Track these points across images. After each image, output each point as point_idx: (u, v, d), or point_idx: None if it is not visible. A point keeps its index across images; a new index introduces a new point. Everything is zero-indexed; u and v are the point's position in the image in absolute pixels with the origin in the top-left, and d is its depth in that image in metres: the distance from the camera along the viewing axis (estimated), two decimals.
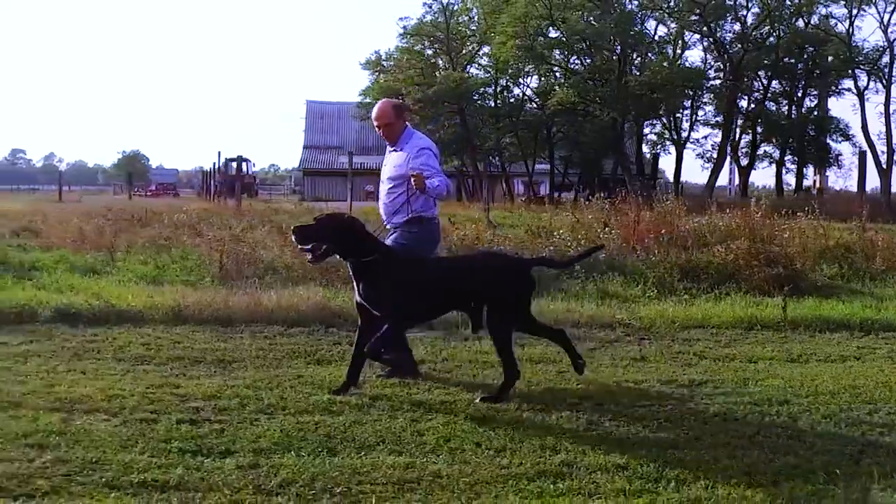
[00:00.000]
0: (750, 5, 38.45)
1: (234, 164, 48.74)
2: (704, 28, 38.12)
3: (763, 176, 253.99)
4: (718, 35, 38.52)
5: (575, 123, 39.25)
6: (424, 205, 6.04)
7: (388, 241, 6.01)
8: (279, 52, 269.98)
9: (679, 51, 41.88)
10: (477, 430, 4.92)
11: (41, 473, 4.16)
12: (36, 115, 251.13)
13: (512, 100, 42.56)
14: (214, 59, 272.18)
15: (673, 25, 39.87)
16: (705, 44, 40.90)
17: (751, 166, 43.23)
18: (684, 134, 43.31)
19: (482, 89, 40.90)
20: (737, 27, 39.05)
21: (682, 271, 10.70)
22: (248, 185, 46.42)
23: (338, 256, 5.67)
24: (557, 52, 38.85)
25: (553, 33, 37.84)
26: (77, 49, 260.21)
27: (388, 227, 6.15)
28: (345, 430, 4.89)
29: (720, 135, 40.65)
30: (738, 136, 42.82)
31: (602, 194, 17.16)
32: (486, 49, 41.88)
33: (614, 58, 37.60)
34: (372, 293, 5.55)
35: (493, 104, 41.53)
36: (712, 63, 41.91)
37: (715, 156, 41.07)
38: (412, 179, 5.84)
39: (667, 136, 43.86)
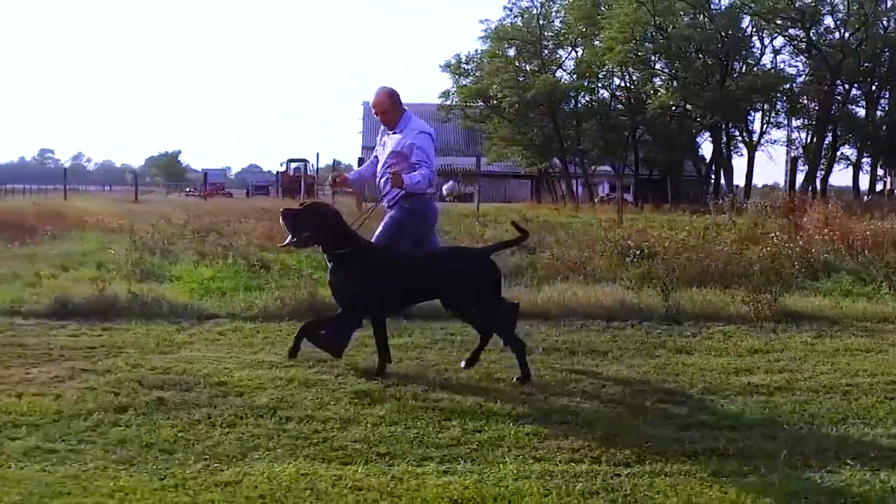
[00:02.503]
0: (844, 9, 38.64)
1: (296, 165, 48.77)
2: (801, 33, 38.56)
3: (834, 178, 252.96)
4: (814, 39, 38.98)
5: (662, 126, 38.95)
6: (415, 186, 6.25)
7: (384, 222, 6.33)
8: (323, 48, 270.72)
9: (773, 55, 42.61)
10: None
11: None
12: (64, 115, 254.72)
13: (595, 103, 42.75)
14: (252, 60, 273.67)
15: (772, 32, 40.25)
16: (800, 47, 40.85)
17: (830, 168, 43.24)
18: (755, 136, 43.33)
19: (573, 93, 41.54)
20: (835, 34, 39.60)
21: None
22: (310, 186, 46.56)
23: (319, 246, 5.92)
24: (658, 56, 39.43)
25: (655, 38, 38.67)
26: (105, 49, 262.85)
27: (384, 203, 6.43)
28: None
29: (805, 137, 40.34)
30: (812, 138, 42.25)
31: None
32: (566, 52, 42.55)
33: (715, 62, 38.33)
34: (335, 283, 5.82)
35: (574, 105, 41.79)
36: (802, 67, 42.14)
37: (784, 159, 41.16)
38: (390, 177, 6.17)
39: (741, 139, 43.58)
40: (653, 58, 38.32)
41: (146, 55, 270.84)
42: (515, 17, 42.51)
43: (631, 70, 40.84)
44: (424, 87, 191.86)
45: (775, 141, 43.21)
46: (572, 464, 4.20)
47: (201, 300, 8.57)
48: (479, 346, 6.06)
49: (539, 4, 42.72)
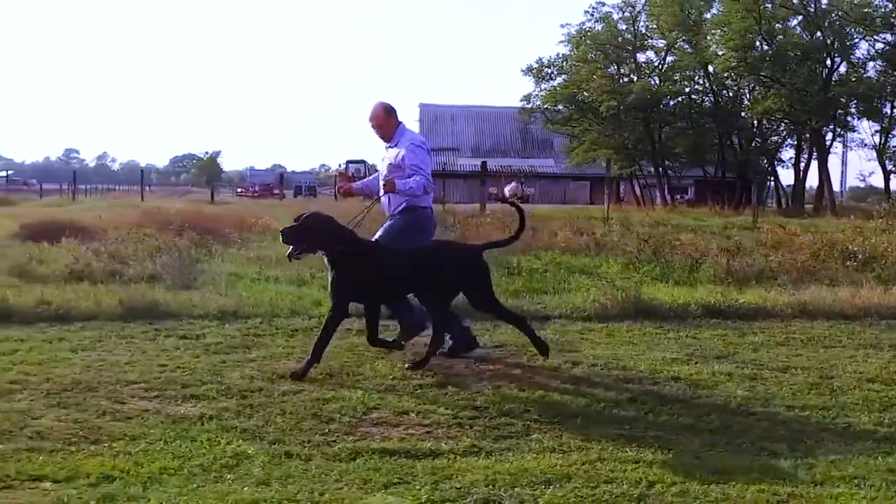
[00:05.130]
0: None
1: (355, 166, 49.29)
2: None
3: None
4: None
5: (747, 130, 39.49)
6: (418, 198, 6.53)
7: (384, 226, 6.62)
8: (372, 50, 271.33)
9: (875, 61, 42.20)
10: None
11: None
12: (89, 115, 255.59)
13: (687, 107, 43.06)
14: (281, 60, 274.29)
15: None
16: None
17: None
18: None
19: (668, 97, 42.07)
20: None
21: None
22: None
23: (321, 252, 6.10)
24: (766, 63, 39.53)
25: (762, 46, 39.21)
26: (129, 50, 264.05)
27: (388, 214, 6.67)
28: None
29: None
30: (885, 140, 42.35)
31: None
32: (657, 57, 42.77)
33: (820, 69, 38.52)
34: (332, 281, 6.03)
35: (669, 109, 42.02)
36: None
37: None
38: (383, 185, 6.52)
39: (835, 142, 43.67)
40: (762, 64, 38.58)
41: (170, 56, 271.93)
42: (597, 21, 43.18)
43: (732, 75, 41.27)
44: (473, 89, 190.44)
45: (866, 145, 43.14)
46: None
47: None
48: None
49: (619, 9, 43.28)
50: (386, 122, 6.68)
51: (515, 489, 3.94)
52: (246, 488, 3.87)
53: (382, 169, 6.79)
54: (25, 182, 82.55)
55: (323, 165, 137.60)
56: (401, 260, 6.18)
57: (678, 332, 7.85)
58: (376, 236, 6.62)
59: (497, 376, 6.06)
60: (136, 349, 6.78)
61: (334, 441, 4.60)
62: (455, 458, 4.37)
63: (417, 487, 3.93)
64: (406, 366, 6.11)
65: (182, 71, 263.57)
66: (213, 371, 6.05)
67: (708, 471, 4.24)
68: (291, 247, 6.04)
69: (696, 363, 6.59)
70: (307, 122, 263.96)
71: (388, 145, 6.72)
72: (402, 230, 6.52)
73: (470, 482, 4.01)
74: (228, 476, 4.05)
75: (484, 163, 23.02)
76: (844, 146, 44.00)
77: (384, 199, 6.71)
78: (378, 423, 4.96)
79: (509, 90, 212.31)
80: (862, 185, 70.43)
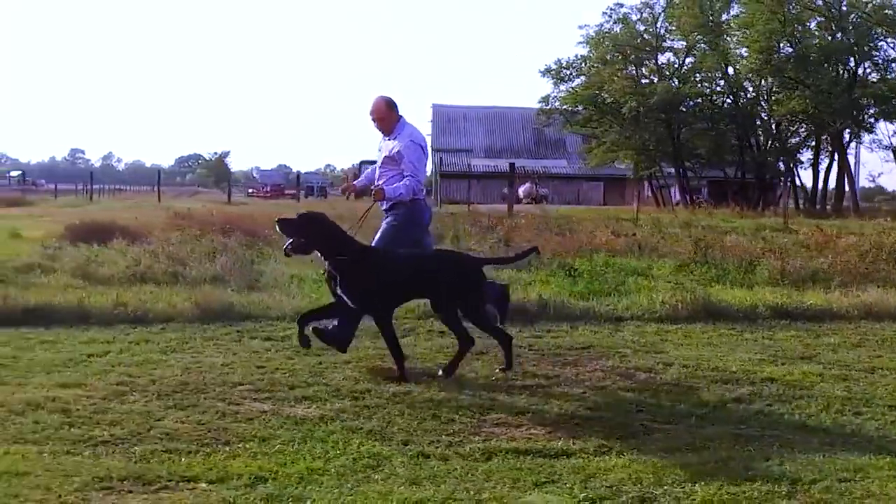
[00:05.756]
0: None
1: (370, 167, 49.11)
2: None
3: None
4: None
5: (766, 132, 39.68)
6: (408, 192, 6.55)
7: (382, 224, 6.68)
8: (377, 50, 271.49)
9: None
10: None
11: None
12: (94, 115, 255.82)
13: (709, 109, 43.30)
14: (286, 61, 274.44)
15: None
16: None
17: None
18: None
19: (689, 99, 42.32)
20: None
21: None
22: None
23: (318, 254, 6.14)
24: (791, 65, 39.68)
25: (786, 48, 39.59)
26: (135, 51, 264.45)
27: (381, 207, 6.75)
28: None
29: None
30: None
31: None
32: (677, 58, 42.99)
33: (844, 70, 38.85)
34: (347, 288, 6.00)
35: (689, 110, 42.36)
36: None
37: None
38: (373, 193, 6.57)
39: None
40: (786, 66, 38.76)
41: (175, 56, 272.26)
42: (615, 22, 43.36)
43: (752, 76, 41.49)
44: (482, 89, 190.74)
45: (885, 146, 43.28)
46: None
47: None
48: (504, 349, 6.23)
49: (638, 10, 43.43)
50: (387, 115, 6.72)
51: (664, 487, 4.00)
52: (401, 488, 3.93)
53: (378, 161, 6.87)
54: (34, 182, 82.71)
55: (329, 166, 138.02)
56: (400, 267, 6.20)
57: (752, 333, 7.91)
58: (377, 237, 6.67)
59: (596, 378, 6.12)
60: (227, 350, 6.84)
61: (462, 441, 4.66)
62: (589, 457, 4.43)
63: (568, 486, 3.99)
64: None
65: (186, 71, 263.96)
66: (313, 372, 6.11)
67: (839, 468, 4.29)
68: (289, 241, 6.05)
69: (783, 364, 6.64)
70: (312, 122, 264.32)
71: (386, 138, 6.79)
72: (400, 227, 6.58)
73: (617, 480, 4.07)
74: (376, 476, 4.11)
75: (512, 164, 23.04)
76: (857, 146, 44.02)
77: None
78: (499, 423, 5.02)
79: (519, 91, 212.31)
80: (871, 185, 70.54)
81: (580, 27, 71.69)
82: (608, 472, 4.19)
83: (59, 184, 60.47)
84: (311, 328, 6.27)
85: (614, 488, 3.97)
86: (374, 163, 7.19)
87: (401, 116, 6.77)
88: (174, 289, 9.35)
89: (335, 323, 6.39)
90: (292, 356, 6.60)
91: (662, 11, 42.64)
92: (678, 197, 47.38)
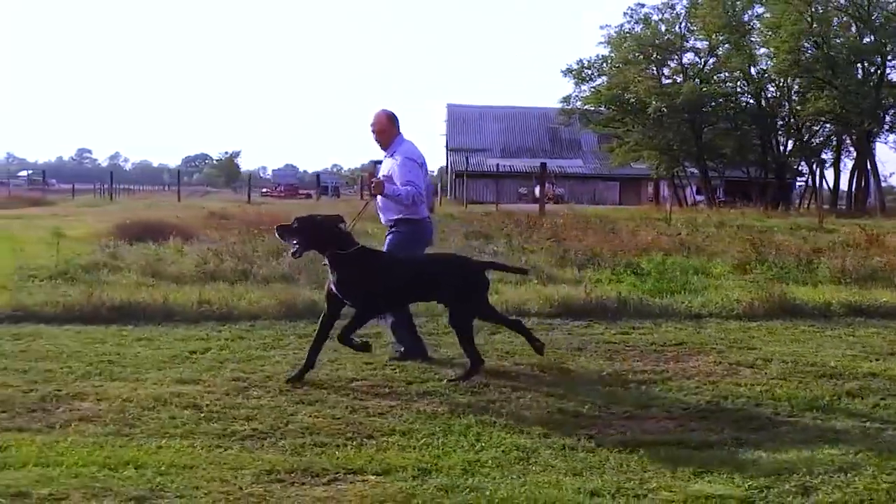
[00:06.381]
0: None
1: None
2: None
3: None
4: None
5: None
6: (412, 209, 6.60)
7: (386, 241, 6.71)
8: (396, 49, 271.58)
9: None
10: None
11: None
12: (101, 115, 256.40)
13: (734, 108, 43.53)
14: (296, 61, 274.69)
15: None
16: None
17: None
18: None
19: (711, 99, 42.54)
20: None
21: None
22: None
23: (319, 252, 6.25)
24: (819, 65, 39.83)
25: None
26: (142, 50, 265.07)
27: (383, 222, 6.82)
28: None
29: None
30: None
31: None
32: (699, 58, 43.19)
33: (872, 71, 39.10)
34: (344, 285, 6.07)
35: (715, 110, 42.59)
36: None
37: None
38: (372, 184, 6.61)
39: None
40: (814, 66, 38.93)
41: (181, 56, 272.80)
42: (636, 23, 43.54)
43: (774, 76, 41.66)
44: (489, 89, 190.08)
45: None
46: None
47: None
48: (526, 337, 6.34)
49: (659, 10, 43.56)
50: (388, 128, 6.74)
51: (820, 476, 4.08)
52: (566, 478, 4.02)
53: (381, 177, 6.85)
54: (46, 182, 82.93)
55: (335, 165, 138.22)
56: (403, 269, 6.27)
57: (832, 330, 7.97)
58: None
59: (703, 373, 6.20)
60: (329, 348, 6.91)
61: (599, 434, 4.75)
62: (729, 448, 4.53)
63: (724, 475, 4.07)
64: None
65: (192, 71, 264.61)
66: (421, 368, 6.20)
67: None
68: (294, 245, 6.17)
69: (877, 360, 6.72)
70: (318, 122, 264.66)
71: (385, 155, 6.84)
72: (402, 244, 6.58)
73: (772, 469, 4.15)
74: (532, 467, 4.20)
75: (544, 164, 23.04)
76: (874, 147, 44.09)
77: (380, 203, 6.78)
78: (628, 416, 5.11)
79: (532, 90, 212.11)
80: (883, 184, 70.76)
81: (601, 27, 72.58)
82: (755, 463, 4.27)
83: (66, 183, 60.65)
84: (392, 352, 6.51)
85: (773, 477, 4.05)
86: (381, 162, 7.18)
87: (399, 132, 6.79)
88: (247, 286, 9.45)
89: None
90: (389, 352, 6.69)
91: (685, 11, 42.74)
92: (696, 196, 47.53)
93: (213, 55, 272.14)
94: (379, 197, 6.68)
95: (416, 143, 6.89)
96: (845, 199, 41.11)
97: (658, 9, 43.48)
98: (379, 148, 6.93)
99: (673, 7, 43.05)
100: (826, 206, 38.55)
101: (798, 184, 50.40)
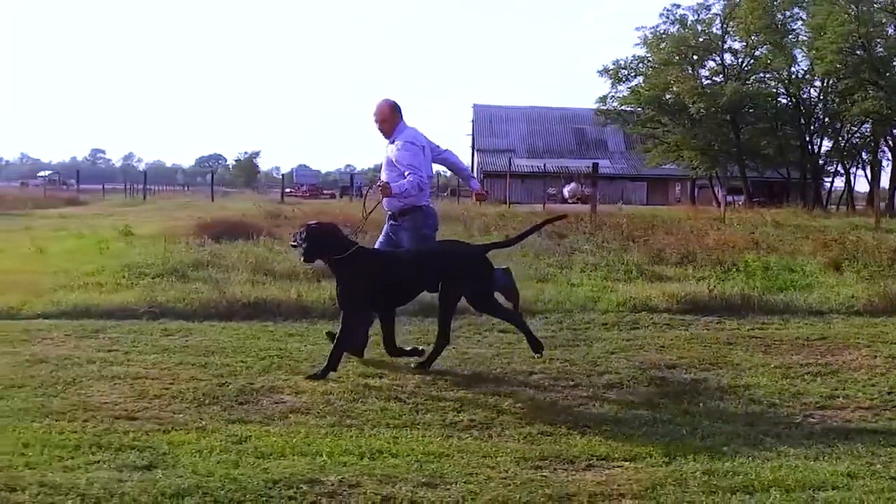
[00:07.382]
0: None
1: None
2: None
3: None
4: None
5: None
6: (416, 197, 6.60)
7: (400, 238, 6.67)
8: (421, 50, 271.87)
9: None
10: None
11: None
12: (115, 115, 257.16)
13: (776, 109, 43.69)
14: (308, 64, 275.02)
15: None
16: None
17: None
18: None
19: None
20: None
21: None
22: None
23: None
24: (865, 66, 39.88)
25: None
26: (156, 51, 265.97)
27: (385, 209, 6.83)
28: None
29: None
30: None
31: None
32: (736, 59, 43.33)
33: None
34: (338, 288, 6.19)
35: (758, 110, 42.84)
36: None
37: None
38: (379, 188, 6.65)
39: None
40: (861, 67, 39.06)
41: (195, 56, 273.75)
42: (672, 23, 43.69)
43: (825, 77, 41.79)
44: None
45: None
46: None
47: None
48: (523, 332, 6.30)
49: (695, 11, 43.77)
50: (390, 117, 6.73)
51: None
52: (816, 462, 4.24)
53: (383, 165, 6.92)
54: (64, 182, 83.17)
55: (349, 166, 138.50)
56: (403, 264, 6.32)
57: None
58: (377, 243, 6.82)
59: (866, 366, 6.34)
60: (478, 342, 7.12)
61: (800, 424, 4.96)
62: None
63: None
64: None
65: (205, 71, 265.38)
66: (588, 361, 6.41)
67: None
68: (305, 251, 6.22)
69: None
70: (331, 123, 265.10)
71: (388, 142, 6.81)
72: (413, 239, 6.62)
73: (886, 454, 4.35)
74: (769, 454, 4.39)
75: (595, 164, 23.11)
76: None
77: (385, 199, 6.82)
78: (820, 406, 5.34)
79: (557, 90, 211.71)
80: None
81: (637, 28, 72.51)
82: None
83: (83, 184, 60.78)
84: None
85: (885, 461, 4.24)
86: None
87: (402, 120, 6.80)
88: None
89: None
90: (525, 348, 6.59)
91: (722, 12, 42.83)
92: (729, 197, 47.61)
93: (226, 56, 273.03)
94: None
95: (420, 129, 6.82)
96: (887, 200, 41.02)
97: (694, 10, 43.76)
98: (383, 138, 6.88)
99: (709, 8, 43.34)
100: (860, 207, 38.69)
101: (827, 184, 50.38)
